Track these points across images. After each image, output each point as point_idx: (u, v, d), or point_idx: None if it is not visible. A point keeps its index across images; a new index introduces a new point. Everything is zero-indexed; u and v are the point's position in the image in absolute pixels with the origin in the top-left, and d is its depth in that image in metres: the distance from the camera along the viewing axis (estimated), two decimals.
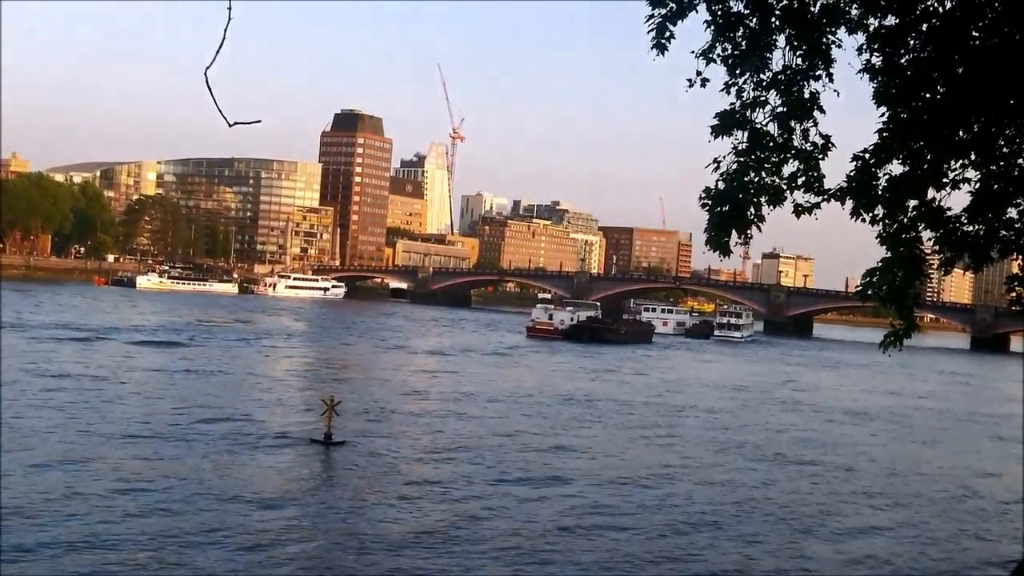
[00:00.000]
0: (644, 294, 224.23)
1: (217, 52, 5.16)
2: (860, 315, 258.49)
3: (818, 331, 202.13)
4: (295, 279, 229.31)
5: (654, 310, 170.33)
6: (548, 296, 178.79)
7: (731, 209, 8.54)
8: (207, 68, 5.36)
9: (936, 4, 8.82)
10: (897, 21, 8.84)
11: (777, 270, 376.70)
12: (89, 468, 30.91)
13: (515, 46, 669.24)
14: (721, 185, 8.55)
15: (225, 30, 5.20)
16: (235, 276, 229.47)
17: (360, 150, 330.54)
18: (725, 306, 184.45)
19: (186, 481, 30.20)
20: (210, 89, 5.42)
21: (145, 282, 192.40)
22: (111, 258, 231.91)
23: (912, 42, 8.87)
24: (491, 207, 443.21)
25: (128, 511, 26.28)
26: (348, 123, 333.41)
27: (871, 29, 8.86)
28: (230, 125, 5.54)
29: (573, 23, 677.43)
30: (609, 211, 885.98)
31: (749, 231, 8.69)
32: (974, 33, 8.79)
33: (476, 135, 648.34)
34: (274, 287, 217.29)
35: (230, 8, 5.28)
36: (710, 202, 8.58)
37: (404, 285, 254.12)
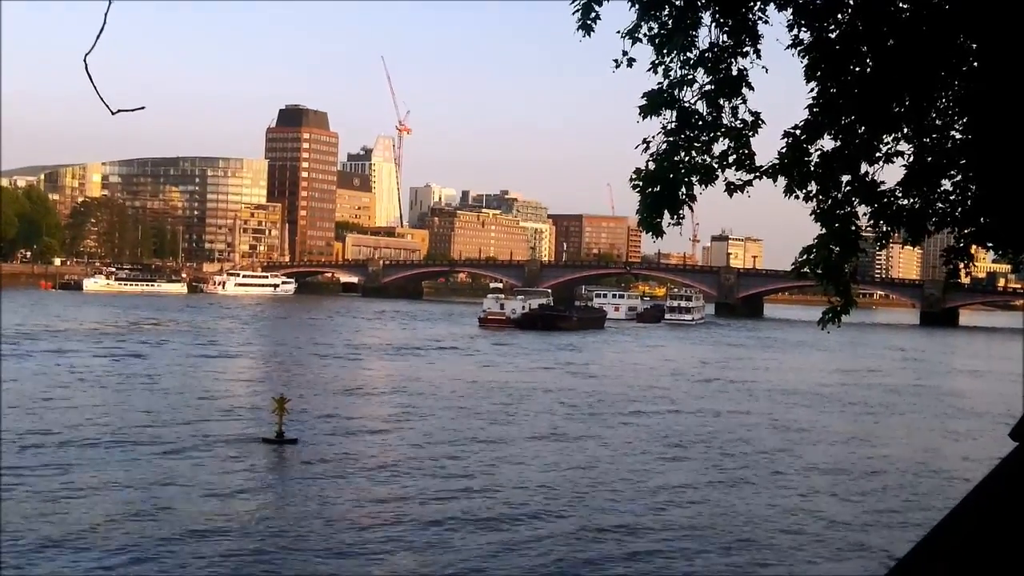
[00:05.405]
0: (595, 280, 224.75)
1: (97, 38, 5.12)
2: (812, 294, 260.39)
3: (769, 311, 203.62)
4: (244, 276, 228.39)
5: (606, 296, 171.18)
6: (500, 286, 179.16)
7: (662, 190, 8.38)
8: (86, 55, 5.28)
9: None
10: None
11: (727, 252, 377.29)
12: (47, 473, 30.43)
13: (458, 35, 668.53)
14: (651, 166, 8.40)
15: (105, 14, 5.10)
16: (184, 276, 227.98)
17: (306, 145, 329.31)
18: (676, 290, 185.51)
19: (144, 485, 29.92)
20: (90, 77, 5.33)
21: (92, 284, 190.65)
22: (57, 262, 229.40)
23: (840, 16, 8.76)
24: (440, 198, 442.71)
25: (96, 516, 26.05)
26: (293, 119, 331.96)
27: (799, 4, 8.73)
28: (113, 113, 5.52)
29: (516, 9, 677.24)
30: (558, 199, 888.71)
31: (681, 211, 8.54)
32: (903, 5, 8.69)
33: (423, 127, 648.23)
34: (223, 285, 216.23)
35: None
36: (641, 183, 8.42)
37: (355, 279, 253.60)
